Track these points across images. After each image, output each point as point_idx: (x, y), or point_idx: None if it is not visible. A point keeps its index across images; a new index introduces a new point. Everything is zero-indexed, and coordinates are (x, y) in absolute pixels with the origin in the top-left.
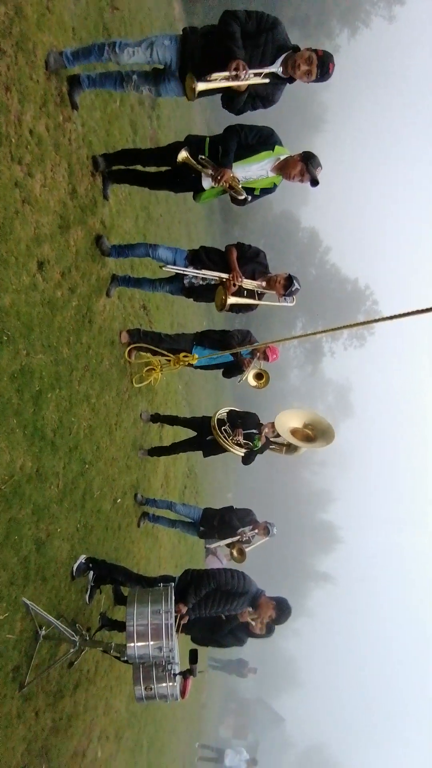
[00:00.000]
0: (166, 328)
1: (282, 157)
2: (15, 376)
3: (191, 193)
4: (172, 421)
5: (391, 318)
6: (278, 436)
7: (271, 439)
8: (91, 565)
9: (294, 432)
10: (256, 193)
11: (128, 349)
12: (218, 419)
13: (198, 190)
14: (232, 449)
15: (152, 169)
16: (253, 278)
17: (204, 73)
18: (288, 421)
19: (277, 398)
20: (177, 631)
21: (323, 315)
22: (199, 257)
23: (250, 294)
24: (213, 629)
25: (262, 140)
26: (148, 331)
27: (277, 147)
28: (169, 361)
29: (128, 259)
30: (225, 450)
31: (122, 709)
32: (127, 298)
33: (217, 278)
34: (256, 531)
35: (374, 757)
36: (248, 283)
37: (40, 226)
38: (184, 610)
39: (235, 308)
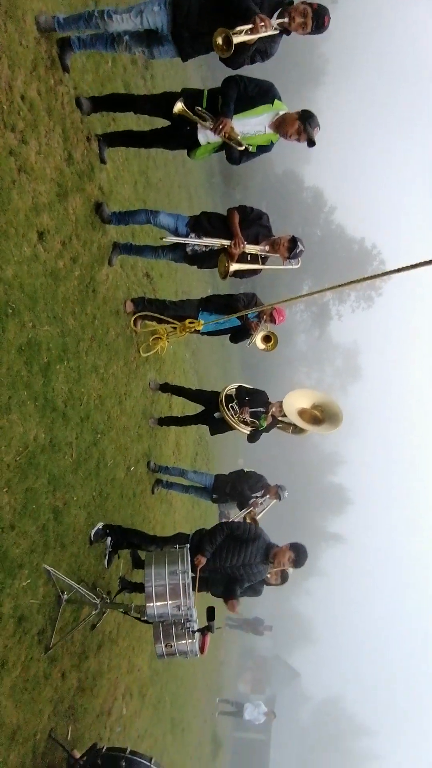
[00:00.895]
0: (171, 295)
1: (281, 113)
2: (23, 349)
3: (190, 157)
4: (181, 392)
5: (398, 270)
6: (285, 415)
7: (279, 418)
8: (108, 531)
9: (302, 413)
10: (253, 150)
11: (133, 318)
12: (226, 395)
13: (193, 146)
14: (237, 427)
15: (146, 128)
16: (257, 242)
17: (203, 34)
18: (297, 402)
19: (285, 364)
20: (196, 586)
21: (329, 277)
22: (200, 223)
23: (254, 258)
24: (231, 583)
25: (262, 93)
26: (152, 299)
27: (276, 101)
28: (175, 328)
29: (129, 226)
30: (231, 428)
31: (145, 667)
32: (129, 266)
33: (219, 245)
34: (268, 495)
35: (387, 707)
36: (251, 248)
37: (37, 195)
38: (203, 560)
39: (239, 274)
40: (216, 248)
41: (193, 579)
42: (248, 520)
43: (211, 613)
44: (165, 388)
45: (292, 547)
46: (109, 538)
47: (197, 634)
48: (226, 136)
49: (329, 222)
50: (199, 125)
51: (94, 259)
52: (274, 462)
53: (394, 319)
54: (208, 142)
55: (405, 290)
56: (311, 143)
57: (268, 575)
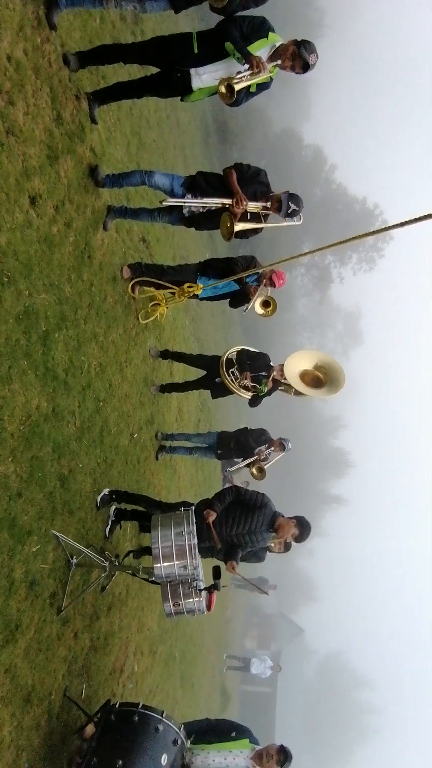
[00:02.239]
0: (168, 260)
1: (277, 44)
2: (20, 318)
3: (183, 101)
4: (182, 358)
5: (401, 225)
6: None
7: (281, 381)
8: (114, 496)
9: (303, 375)
10: (252, 90)
11: (131, 284)
12: (227, 359)
13: (185, 92)
14: (238, 392)
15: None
16: (255, 199)
17: None
18: (298, 364)
19: (286, 330)
20: (214, 536)
21: (331, 238)
22: (197, 183)
23: (255, 217)
24: (233, 546)
25: (256, 29)
26: (150, 264)
27: (270, 34)
28: (174, 293)
29: (123, 189)
30: (232, 393)
31: (154, 626)
32: (125, 231)
33: (220, 205)
34: (272, 448)
35: (388, 662)
36: (252, 206)
37: (27, 158)
38: (213, 514)
39: (241, 234)
40: (214, 209)
41: (207, 528)
42: (255, 472)
43: (216, 571)
44: (165, 354)
45: (297, 524)
46: (112, 507)
47: (204, 593)
48: (264, 71)
49: (330, 181)
50: (192, 72)
51: (89, 224)
52: (276, 426)
53: (397, 281)
54: (201, 88)
55: (408, 251)
56: (306, 68)
57: (272, 544)
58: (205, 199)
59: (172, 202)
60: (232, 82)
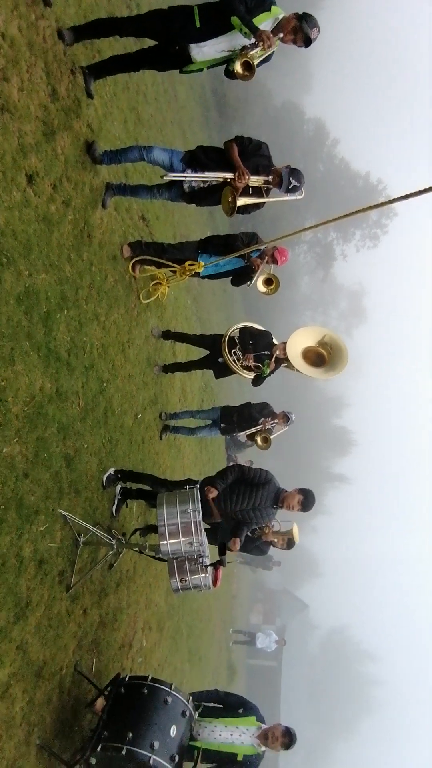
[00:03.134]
0: (168, 239)
1: (279, 17)
2: (21, 299)
3: (182, 73)
4: (184, 338)
5: (404, 198)
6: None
7: (284, 359)
8: (119, 475)
9: (306, 352)
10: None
11: (131, 263)
12: (230, 338)
13: (184, 63)
14: (241, 373)
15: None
16: (257, 173)
17: None
18: (301, 343)
19: (289, 308)
20: (214, 512)
21: (333, 214)
22: (196, 158)
23: (257, 191)
24: (239, 524)
25: (259, 2)
26: (150, 242)
27: (273, 7)
28: (175, 272)
29: (121, 165)
30: (235, 373)
31: (161, 602)
32: (124, 209)
33: (221, 179)
34: (276, 420)
35: (391, 636)
36: (254, 180)
37: (23, 135)
38: (214, 491)
39: (243, 209)
40: (215, 183)
41: (205, 506)
42: (260, 442)
43: (222, 548)
44: (167, 335)
45: (301, 492)
46: (118, 487)
47: (210, 569)
48: (274, 45)
49: (332, 156)
50: (191, 47)
51: (87, 202)
52: (279, 405)
53: (401, 258)
54: (202, 60)
55: (412, 228)
56: (308, 42)
57: (275, 540)
58: (207, 174)
59: (173, 176)
60: (249, 58)
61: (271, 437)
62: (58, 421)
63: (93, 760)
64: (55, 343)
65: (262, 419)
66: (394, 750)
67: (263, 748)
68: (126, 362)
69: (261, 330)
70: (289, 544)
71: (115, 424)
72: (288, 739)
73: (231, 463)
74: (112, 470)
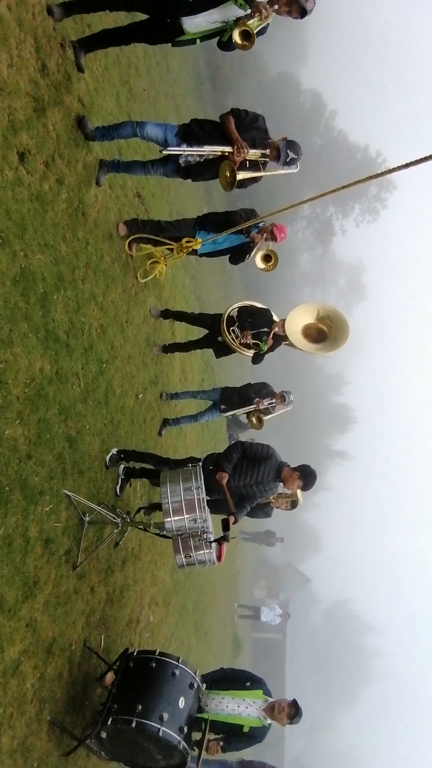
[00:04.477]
0: (165, 216)
1: None
2: (17, 280)
3: (174, 47)
4: (183, 317)
5: (406, 166)
6: None
7: (283, 336)
8: (122, 455)
9: (307, 328)
10: None
11: (128, 241)
12: (229, 316)
13: (177, 36)
14: (239, 351)
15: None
16: (254, 146)
17: None
18: (300, 320)
19: (288, 286)
20: (229, 501)
21: (332, 187)
22: (191, 132)
23: (254, 165)
24: (242, 499)
25: None
26: (146, 220)
27: None
28: (172, 250)
29: (114, 142)
30: (234, 351)
31: (167, 578)
32: (119, 186)
33: (219, 153)
34: (274, 401)
35: (392, 608)
36: (251, 154)
37: (13, 111)
38: (225, 476)
39: (239, 183)
40: (211, 158)
41: (220, 489)
42: (254, 421)
43: (225, 523)
44: (166, 314)
45: (302, 474)
46: (121, 466)
47: (214, 544)
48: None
49: (330, 129)
50: (182, 19)
51: (81, 180)
52: (280, 383)
53: (401, 233)
54: (189, 32)
55: (412, 201)
56: (303, 13)
57: (279, 504)
58: (205, 148)
59: (170, 151)
60: (247, 27)
61: (268, 417)
62: (59, 402)
63: (104, 734)
64: (53, 324)
65: (257, 399)
66: (394, 718)
67: (269, 721)
68: (125, 342)
69: (260, 308)
70: (293, 505)
71: (116, 404)
72: (294, 710)
73: (232, 442)
74: (114, 450)
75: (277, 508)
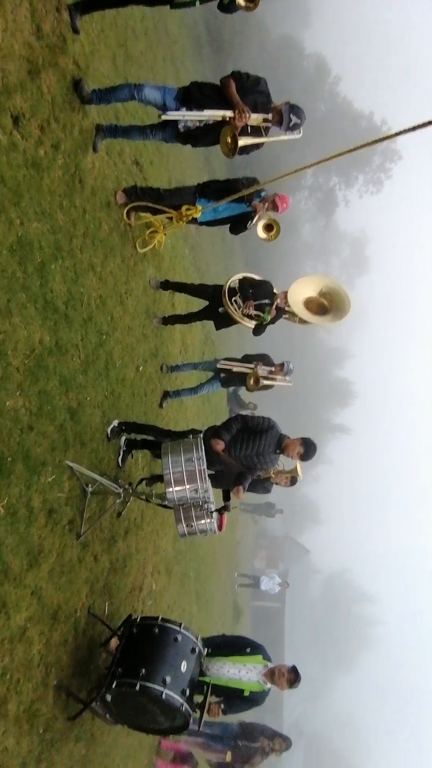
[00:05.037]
0: (164, 184)
1: None
2: (14, 249)
3: (173, 8)
4: (183, 289)
5: (413, 129)
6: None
7: (285, 309)
8: (123, 427)
9: (308, 302)
10: None
11: (126, 209)
12: (230, 288)
13: None
14: (242, 322)
15: None
16: (256, 111)
17: None
18: (302, 291)
19: (289, 257)
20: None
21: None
22: (191, 95)
23: (255, 131)
24: (242, 472)
25: None
26: (145, 188)
27: None
28: (171, 218)
29: (111, 106)
30: (236, 322)
31: (169, 548)
32: (116, 153)
33: (220, 118)
34: (272, 369)
35: (388, 576)
36: (253, 118)
37: (6, 74)
38: (221, 443)
39: (241, 149)
40: (212, 122)
41: (218, 455)
42: (251, 381)
43: (226, 494)
44: (166, 285)
45: (303, 442)
46: (123, 438)
47: (215, 514)
48: None
49: (334, 95)
50: None
51: (77, 145)
52: (280, 357)
53: (406, 204)
54: None
55: (417, 171)
56: None
57: (279, 480)
58: (206, 112)
59: (170, 115)
60: None
61: (267, 383)
62: (59, 373)
63: (109, 697)
64: (51, 294)
65: (255, 361)
66: (391, 683)
67: (269, 685)
68: (125, 314)
69: (261, 280)
70: (293, 481)
71: (117, 376)
72: (293, 676)
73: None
74: (116, 422)
75: (276, 484)
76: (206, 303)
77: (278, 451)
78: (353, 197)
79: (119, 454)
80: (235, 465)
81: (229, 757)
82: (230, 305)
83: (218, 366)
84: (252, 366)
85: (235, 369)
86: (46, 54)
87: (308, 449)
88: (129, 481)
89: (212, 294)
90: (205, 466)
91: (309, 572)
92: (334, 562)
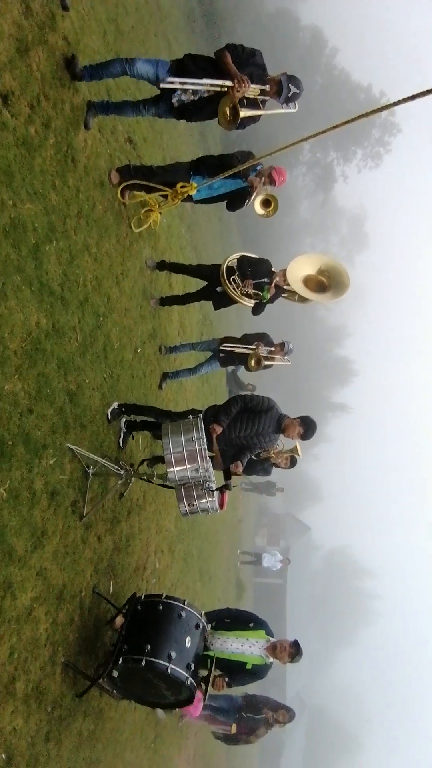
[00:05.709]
0: (158, 162)
1: None
2: (7, 231)
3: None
4: (180, 269)
5: (412, 98)
6: (290, 284)
7: (284, 287)
8: (123, 409)
9: (307, 280)
10: None
11: (120, 188)
12: (228, 267)
13: None
14: (240, 301)
15: None
16: (252, 83)
17: None
18: (301, 269)
19: (287, 235)
20: (213, 447)
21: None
22: (185, 67)
23: (252, 103)
24: (242, 449)
25: None
26: (138, 166)
27: None
28: (166, 196)
29: (103, 82)
30: (234, 302)
31: (172, 527)
32: (109, 130)
33: (219, 87)
34: (272, 349)
35: (387, 552)
36: (251, 89)
37: None
38: (218, 429)
39: (239, 123)
40: (206, 96)
41: (209, 444)
42: (252, 363)
43: (227, 473)
44: (162, 265)
45: (302, 424)
46: (123, 419)
47: (216, 493)
48: None
49: (331, 67)
50: None
51: (69, 123)
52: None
53: (405, 179)
54: None
55: (417, 145)
56: None
57: (279, 460)
58: (205, 80)
59: (170, 84)
60: None
61: (268, 363)
62: (57, 356)
63: (115, 673)
64: (46, 276)
65: (256, 342)
66: (391, 655)
67: (271, 659)
68: (121, 295)
69: (259, 258)
70: (293, 462)
71: (115, 359)
72: (294, 650)
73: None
74: (115, 404)
75: (276, 465)
76: (204, 283)
77: (278, 431)
78: (352, 172)
79: (120, 436)
80: (217, 455)
81: (234, 728)
82: (228, 284)
83: (221, 348)
84: (253, 347)
85: (237, 351)
86: (35, 32)
87: (308, 429)
88: (130, 463)
89: (210, 274)
90: (206, 446)
91: (310, 548)
92: (334, 538)
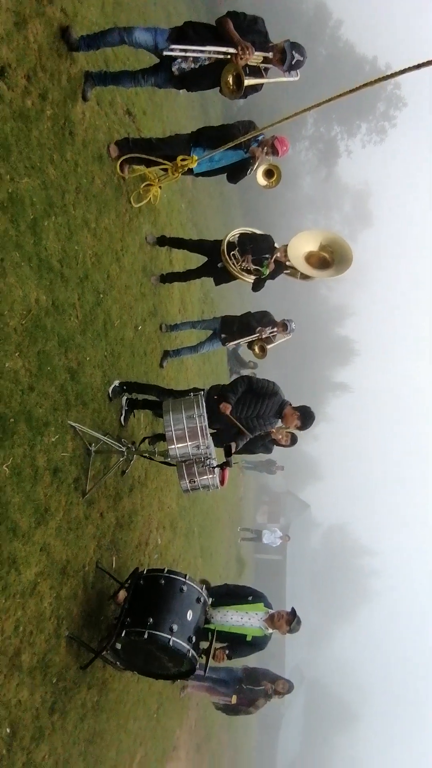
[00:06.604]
0: (158, 135)
1: None
2: (5, 206)
3: None
4: (181, 244)
5: (417, 67)
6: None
7: (286, 264)
8: (125, 387)
9: (309, 257)
10: None
11: (119, 162)
12: (229, 242)
13: None
14: (240, 276)
15: None
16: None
17: None
18: (303, 246)
19: (290, 211)
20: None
21: (337, 103)
22: (185, 34)
23: (255, 71)
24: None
25: None
26: (137, 139)
27: None
28: (166, 170)
29: (100, 52)
30: (234, 278)
31: (173, 504)
32: (107, 103)
33: (222, 55)
34: (275, 329)
35: (386, 530)
36: (256, 56)
37: None
38: (228, 407)
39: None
40: (207, 64)
41: (226, 418)
42: (257, 351)
43: (228, 449)
44: (162, 241)
45: (302, 414)
46: (124, 398)
47: (217, 470)
48: None
49: (335, 39)
50: None
51: (66, 95)
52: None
53: (411, 154)
54: None
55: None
56: None
57: (280, 437)
58: (207, 47)
59: (172, 52)
60: None
61: (271, 346)
62: (57, 334)
63: (119, 645)
64: (45, 252)
65: (259, 328)
66: (389, 631)
67: (270, 631)
68: (121, 272)
69: (261, 234)
70: (293, 440)
71: (116, 336)
72: (291, 617)
73: (234, 377)
74: (117, 382)
75: (277, 443)
76: (205, 260)
77: (278, 416)
78: (356, 147)
79: (121, 414)
80: (240, 426)
81: (234, 699)
82: (229, 260)
83: (228, 345)
84: (256, 335)
85: (242, 342)
86: (32, 5)
87: (305, 421)
88: (132, 440)
89: (211, 249)
90: (207, 423)
91: (309, 526)
92: (333, 516)
